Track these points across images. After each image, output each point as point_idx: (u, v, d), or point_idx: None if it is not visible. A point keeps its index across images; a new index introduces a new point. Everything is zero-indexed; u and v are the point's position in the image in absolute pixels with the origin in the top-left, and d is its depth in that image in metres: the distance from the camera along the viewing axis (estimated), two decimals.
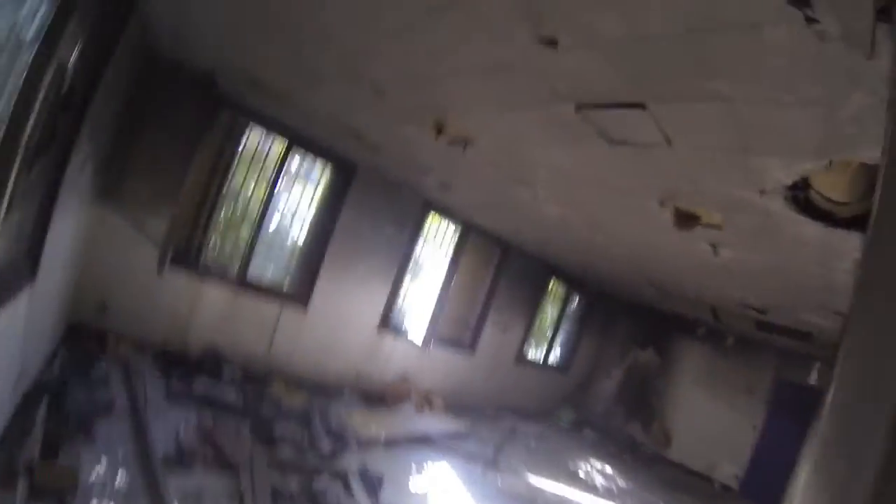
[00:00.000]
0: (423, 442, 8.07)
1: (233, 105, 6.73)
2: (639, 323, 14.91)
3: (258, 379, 7.48)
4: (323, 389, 8.27)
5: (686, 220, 5.05)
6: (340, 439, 6.71)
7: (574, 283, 13.31)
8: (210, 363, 7.10)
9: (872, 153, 2.73)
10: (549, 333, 13.46)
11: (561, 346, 14.08)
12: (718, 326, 12.25)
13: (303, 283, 8.12)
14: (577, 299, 14.04)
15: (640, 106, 3.19)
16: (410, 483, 6.69)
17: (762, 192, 3.78)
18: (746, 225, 4.68)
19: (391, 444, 7.49)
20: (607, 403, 14.70)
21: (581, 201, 5.98)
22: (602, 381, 15.02)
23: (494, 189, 6.74)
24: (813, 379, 11.86)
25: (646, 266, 8.26)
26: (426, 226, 9.35)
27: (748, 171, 3.54)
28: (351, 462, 6.31)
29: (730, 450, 12.82)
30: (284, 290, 8.08)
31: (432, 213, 9.23)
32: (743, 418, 12.85)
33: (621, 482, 10.40)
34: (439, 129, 5.05)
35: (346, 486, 5.64)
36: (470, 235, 9.40)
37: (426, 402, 9.51)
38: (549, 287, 12.70)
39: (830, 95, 2.41)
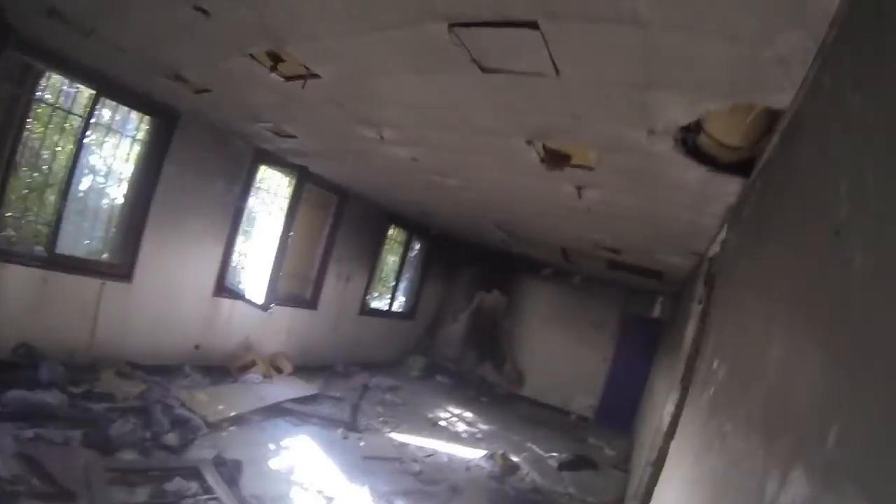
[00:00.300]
0: (278, 412, 7.60)
1: (25, 44, 5.44)
2: (483, 266, 15.18)
3: (85, 373, 6.45)
4: (161, 371, 7.43)
5: (555, 160, 4.82)
6: (188, 427, 6.04)
7: (414, 228, 13.18)
8: (22, 365, 5.90)
9: (784, 98, 2.64)
10: (391, 281, 13.31)
11: (405, 293, 14.00)
12: (566, 266, 12.61)
13: (125, 252, 7.09)
14: (419, 245, 13.95)
15: (531, 25, 2.73)
16: (271, 462, 6.22)
17: (652, 132, 3.62)
18: (622, 166, 4.54)
19: (244, 420, 6.97)
20: (457, 348, 14.89)
21: (436, 142, 5.49)
22: (449, 325, 15.21)
23: (336, 132, 6.10)
24: (656, 312, 12.64)
25: (499, 210, 8.09)
26: (259, 177, 8.61)
27: (644, 108, 3.31)
28: (203, 452, 5.74)
29: (584, 383, 13.58)
30: (103, 262, 7.01)
31: (265, 163, 8.50)
32: (594, 352, 13.59)
33: (483, 425, 10.57)
34: (275, 61, 4.35)
35: (203, 483, 5.05)
36: (305, 185, 8.60)
37: (274, 367, 8.97)
38: (389, 234, 12.47)
39: (762, 31, 2.23)
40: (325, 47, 3.79)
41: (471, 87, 3.72)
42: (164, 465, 5.13)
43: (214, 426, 6.42)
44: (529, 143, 4.53)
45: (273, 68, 4.44)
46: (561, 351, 13.99)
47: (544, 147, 4.63)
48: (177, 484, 4.83)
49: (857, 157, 1.55)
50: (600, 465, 9.73)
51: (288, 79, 4.60)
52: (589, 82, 3.18)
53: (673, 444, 4.29)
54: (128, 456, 5.15)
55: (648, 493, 5.67)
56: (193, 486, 4.92)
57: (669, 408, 5.97)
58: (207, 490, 4.95)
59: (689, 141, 3.58)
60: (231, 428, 6.64)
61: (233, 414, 6.79)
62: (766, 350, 2.08)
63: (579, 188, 5.42)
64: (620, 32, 2.55)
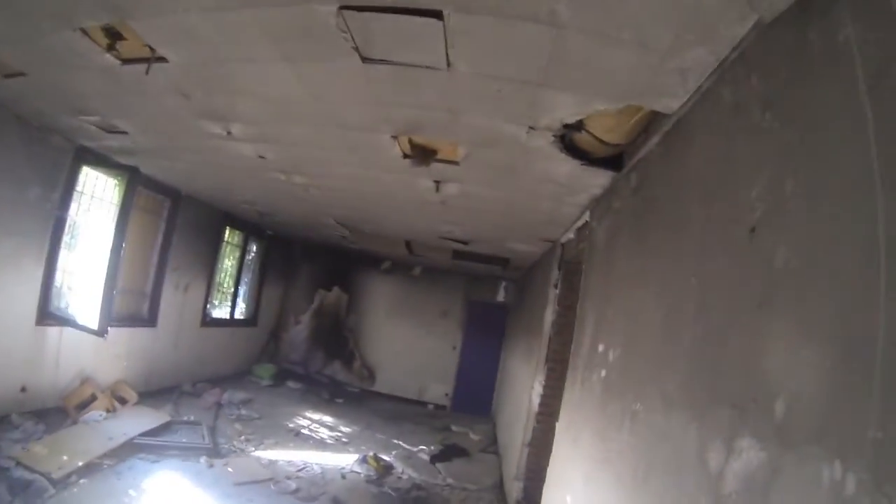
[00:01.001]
0: (131, 450, 7.00)
1: None
2: (321, 264, 15.07)
3: None
4: None
5: (421, 155, 4.84)
6: (30, 492, 5.35)
7: (251, 229, 12.74)
8: None
9: (673, 104, 2.91)
10: (231, 288, 12.74)
11: (245, 299, 13.50)
12: (408, 259, 12.84)
13: None
14: (255, 247, 13.52)
15: (436, 15, 2.66)
16: None
17: (532, 128, 3.80)
18: (490, 161, 4.69)
19: (94, 469, 6.25)
20: (303, 350, 14.69)
21: (290, 139, 5.22)
22: (293, 328, 14.87)
23: (176, 128, 5.51)
24: (500, 296, 13.22)
25: (345, 206, 7.99)
26: (81, 181, 7.42)
27: (532, 105, 3.45)
28: None
29: (436, 372, 14.01)
30: None
31: (88, 164, 7.38)
32: (442, 341, 14.07)
33: (344, 427, 10.58)
34: (113, 40, 3.66)
35: None
36: (136, 187, 7.70)
37: (117, 399, 8.28)
38: (225, 237, 11.94)
39: (674, 45, 2.44)
40: (181, 25, 3.24)
41: (344, 78, 3.55)
42: None
43: (61, 483, 5.72)
44: (395, 137, 4.50)
45: (110, 48, 3.75)
46: (409, 343, 14.31)
47: (410, 141, 4.65)
48: None
49: (768, 165, 1.81)
50: (470, 451, 10.09)
51: (126, 62, 3.92)
52: (480, 77, 3.21)
53: (559, 424, 4.56)
54: None
55: (534, 472, 6.00)
56: None
57: (538, 388, 6.35)
58: None
59: (567, 137, 3.83)
60: (81, 481, 5.93)
61: (80, 464, 6.07)
62: (676, 336, 2.34)
63: (438, 182, 5.52)
64: (532, 31, 2.62)
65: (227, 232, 11.92)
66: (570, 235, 5.95)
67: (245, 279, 13.29)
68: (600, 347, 3.53)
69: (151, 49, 3.63)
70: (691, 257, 2.35)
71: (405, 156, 4.85)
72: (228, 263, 12.51)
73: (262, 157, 5.94)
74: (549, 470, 4.71)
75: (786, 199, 1.68)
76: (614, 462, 2.88)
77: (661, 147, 3.09)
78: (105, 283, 7.13)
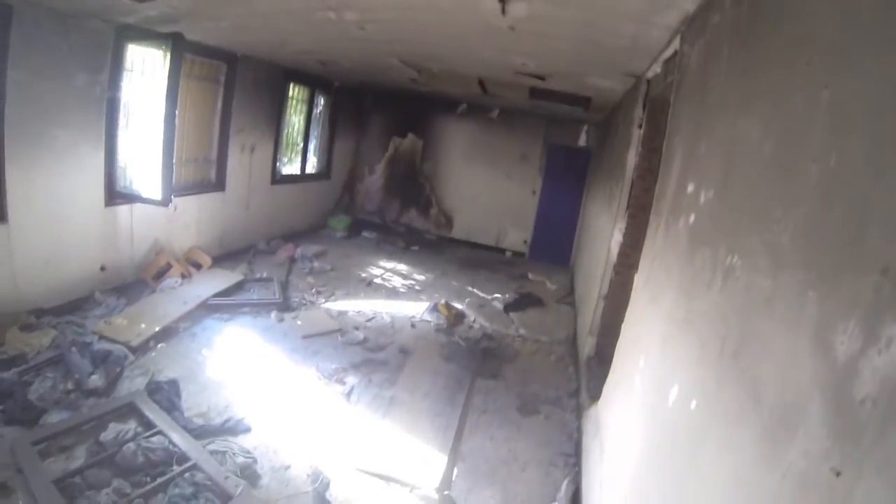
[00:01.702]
0: (205, 311, 7.12)
1: None
2: (393, 111, 14.41)
3: None
4: (70, 308, 6.62)
5: None
6: (110, 361, 5.41)
7: (316, 83, 12.10)
8: None
9: None
10: (300, 143, 12.38)
11: (316, 153, 13.18)
12: (483, 100, 11.93)
13: None
14: (323, 100, 12.91)
15: None
16: (209, 370, 5.78)
17: None
18: None
19: (171, 332, 6.42)
20: (379, 199, 14.60)
21: None
22: (367, 178, 14.69)
23: None
24: (582, 141, 12.45)
25: (407, 43, 7.08)
26: (129, 60, 7.10)
27: None
28: (135, 383, 5.24)
29: (514, 218, 13.60)
30: None
31: (132, 41, 7.00)
32: (521, 186, 13.49)
33: (419, 276, 10.48)
34: None
35: (141, 418, 4.61)
36: (184, 56, 7.37)
37: (192, 264, 8.32)
38: (290, 94, 11.39)
39: None
40: None
41: None
42: (94, 415, 4.59)
43: (140, 350, 5.87)
44: None
45: None
46: (487, 188, 13.80)
47: None
48: (112, 430, 4.33)
49: None
50: (545, 302, 9.77)
51: None
52: None
53: (638, 277, 4.03)
54: (55, 417, 4.56)
55: (609, 328, 5.57)
56: (131, 426, 4.45)
57: (617, 237, 5.80)
58: (148, 425, 4.51)
59: None
60: (160, 345, 6.08)
61: (157, 329, 6.21)
62: (794, 171, 1.71)
63: (503, 1, 4.64)
64: None
65: (292, 88, 11.35)
66: (657, 69, 5.10)
67: (315, 133, 12.86)
68: (690, 187, 2.90)
69: None
70: (821, 63, 1.66)
71: None
72: (296, 119, 12.06)
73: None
74: (623, 326, 4.24)
75: None
76: (698, 326, 2.35)
77: None
78: (164, 155, 7.00)
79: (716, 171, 2.53)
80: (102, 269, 7.19)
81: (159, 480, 3.96)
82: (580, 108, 9.48)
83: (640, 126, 5.64)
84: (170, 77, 6.86)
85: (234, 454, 4.36)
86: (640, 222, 5.24)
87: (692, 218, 2.76)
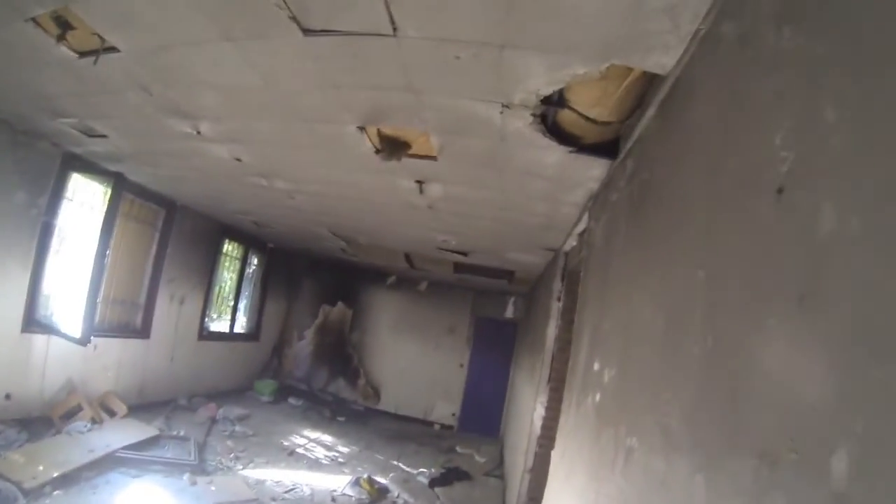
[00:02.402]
0: (112, 463, 6.54)
1: None
2: (324, 278, 14.56)
3: None
4: None
5: (392, 148, 4.27)
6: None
7: (251, 242, 12.26)
8: None
9: (667, 61, 2.34)
10: (231, 301, 12.25)
11: (246, 312, 13.01)
12: (411, 273, 12.19)
13: None
14: (256, 260, 13.01)
15: None
16: None
17: (507, 105, 3.20)
18: (471, 153, 4.09)
19: (71, 480, 5.83)
20: (306, 366, 14.26)
21: (258, 136, 4.83)
22: (296, 343, 14.44)
23: (148, 128, 5.20)
24: (509, 313, 12.65)
25: (333, 214, 7.46)
26: (70, 188, 7.23)
27: (500, 75, 2.88)
28: None
29: (443, 390, 13.43)
30: None
31: (76, 171, 7.19)
32: (449, 358, 13.49)
33: (343, 447, 9.97)
34: (63, 29, 3.46)
35: None
36: (123, 195, 7.57)
37: (105, 410, 7.84)
38: (224, 249, 11.46)
39: None
40: (121, 7, 3.03)
41: (291, 57, 3.14)
42: None
43: (33, 494, 5.30)
44: (362, 129, 4.02)
45: (61, 38, 3.54)
46: (415, 360, 13.71)
47: (379, 133, 4.13)
48: None
49: (795, 96, 1.23)
50: (473, 475, 9.44)
51: (82, 55, 3.72)
52: (433, 43, 2.69)
53: (554, 453, 3.96)
54: None
55: (535, 501, 5.39)
56: None
57: (540, 411, 5.75)
58: None
59: (550, 117, 3.25)
60: (55, 493, 5.49)
61: (56, 475, 5.65)
62: (679, 350, 1.75)
63: (420, 182, 4.96)
64: None
65: (227, 244, 11.45)
66: (573, 243, 5.35)
67: (246, 292, 12.78)
68: (595, 365, 2.93)
69: (100, 37, 3.43)
70: (696, 244, 1.75)
71: (377, 150, 4.29)
72: (228, 276, 12.04)
73: (238, 159, 5.53)
74: None
75: (826, 134, 1.09)
76: None
77: (658, 120, 2.50)
78: (89, 292, 6.84)
79: (617, 348, 2.58)
80: (7, 397, 6.73)
81: None
82: (505, 282, 9.75)
83: (559, 298, 5.78)
84: (106, 215, 6.90)
85: None
86: (559, 395, 5.28)
87: (598, 396, 2.76)
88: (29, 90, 4.91)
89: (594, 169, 3.68)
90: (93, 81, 4.20)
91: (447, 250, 7.88)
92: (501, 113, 3.24)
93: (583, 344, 3.49)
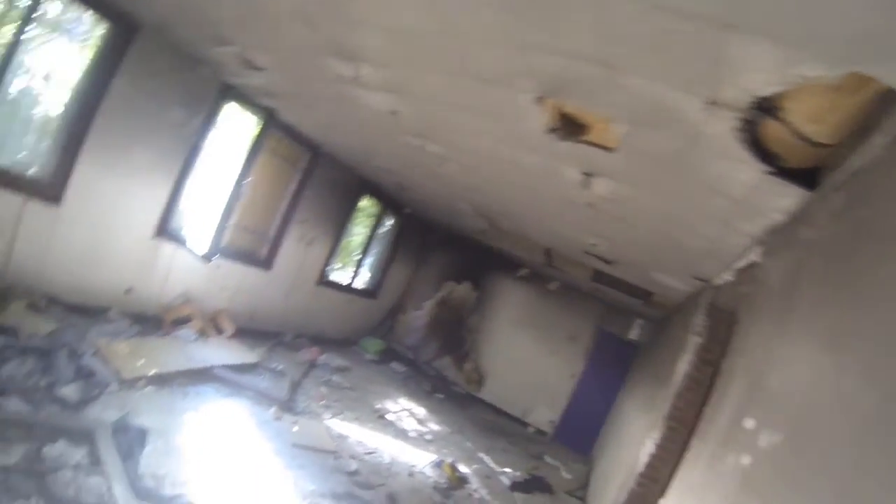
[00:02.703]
0: (207, 377, 6.74)
1: None
2: (457, 254, 14.42)
3: None
4: (83, 311, 6.52)
5: (568, 129, 3.77)
6: (93, 381, 5.15)
7: (389, 202, 12.27)
8: None
9: None
10: (357, 255, 12.43)
11: (370, 269, 13.15)
12: (546, 270, 11.78)
13: (56, 171, 6.05)
14: (392, 221, 13.06)
15: None
16: (184, 436, 5.32)
17: (713, 102, 2.68)
18: (654, 151, 3.58)
19: (165, 381, 6.07)
20: (418, 336, 14.16)
21: (421, 90, 4.53)
22: (413, 311, 14.39)
23: (307, 66, 5.12)
24: (633, 334, 12.05)
25: (483, 191, 7.16)
26: (222, 115, 7.54)
27: (715, 61, 2.38)
28: (106, 413, 4.85)
29: (547, 395, 13.02)
30: (29, 177, 5.95)
31: (231, 100, 7.46)
32: (563, 366, 13.03)
33: (434, 425, 9.86)
34: None
35: (93, 451, 4.19)
36: (274, 132, 8.00)
37: (213, 326, 8.11)
38: (361, 204, 11.57)
39: None
40: None
41: (476, 3, 2.78)
42: (51, 423, 4.24)
43: (128, 384, 5.54)
44: (540, 100, 3.56)
45: None
46: (527, 358, 13.33)
47: (557, 109, 3.63)
48: (59, 448, 3.96)
49: None
50: (556, 491, 9.05)
51: None
52: (646, 7, 2.23)
53: (664, 500, 3.55)
54: (12, 405, 4.27)
55: None
56: (79, 453, 4.05)
57: (649, 447, 5.28)
58: (95, 461, 4.11)
59: (755, 125, 2.76)
60: (147, 388, 5.73)
61: (152, 372, 5.90)
62: None
63: (587, 175, 4.48)
64: None
65: (364, 199, 11.54)
66: (728, 277, 4.82)
67: (374, 250, 12.90)
68: (748, 423, 2.50)
69: None
70: None
71: (550, 129, 3.86)
72: (360, 231, 12.21)
73: (394, 112, 5.32)
74: None
75: None
76: None
77: (892, 150, 2.03)
78: (221, 214, 7.27)
79: (788, 413, 2.15)
80: (128, 291, 7.18)
81: None
82: (639, 301, 9.19)
83: (700, 334, 5.28)
84: (253, 145, 7.26)
85: None
86: (678, 437, 4.83)
87: (747, 460, 2.35)
88: (198, 14, 5.04)
89: (785, 198, 3.13)
90: (260, 8, 4.17)
91: (593, 255, 7.41)
92: (704, 109, 2.74)
93: (730, 393, 3.05)
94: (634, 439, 6.37)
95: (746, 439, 2.45)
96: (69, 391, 4.78)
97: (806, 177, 2.87)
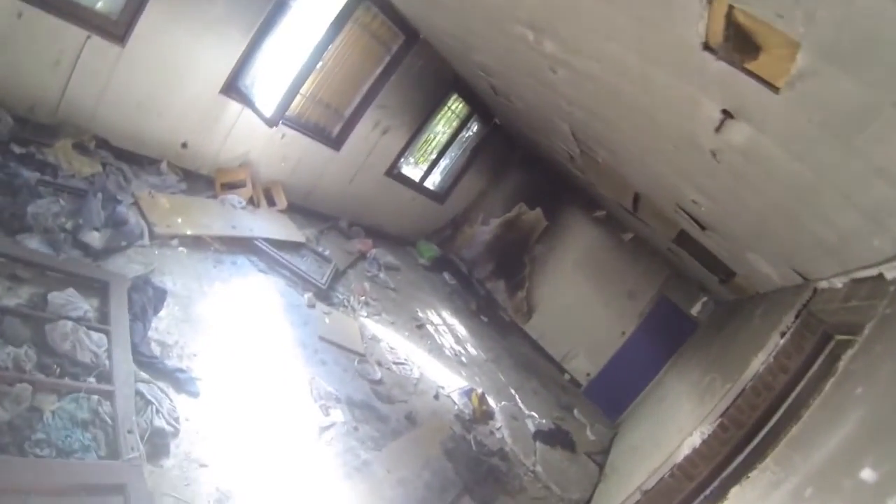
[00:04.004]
0: (246, 248, 6.48)
1: None
2: (537, 177, 13.70)
3: (39, 134, 5.32)
4: (133, 159, 6.27)
5: (737, 45, 2.73)
6: (123, 230, 4.88)
7: (478, 107, 11.51)
8: None
9: None
10: (433, 154, 11.89)
11: (443, 172, 12.62)
12: (625, 216, 10.98)
13: (124, 8, 5.59)
14: (476, 127, 12.35)
15: None
16: (205, 305, 5.05)
17: None
18: (833, 104, 2.54)
19: (200, 245, 5.82)
20: (477, 252, 13.77)
21: None
22: (477, 226, 13.90)
23: None
24: (696, 310, 11.32)
25: (589, 110, 6.14)
26: None
27: None
28: (130, 267, 4.61)
29: (592, 346, 12.52)
30: (95, 11, 5.51)
31: None
32: (615, 321, 12.44)
33: (472, 348, 9.57)
34: None
35: (103, 306, 3.91)
36: (370, 7, 7.42)
37: (265, 196, 7.78)
38: (448, 103, 10.88)
39: None
40: None
41: None
42: (66, 268, 4.01)
43: (159, 240, 5.29)
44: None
45: None
46: (581, 303, 12.81)
47: (730, 17, 2.62)
48: (65, 297, 3.71)
49: None
50: (577, 449, 8.70)
51: None
52: None
53: None
54: (33, 243, 4.07)
55: None
56: (86, 306, 3.79)
57: (695, 440, 4.83)
58: (103, 317, 3.85)
59: None
60: (180, 248, 5.48)
61: (189, 232, 5.62)
62: None
63: (728, 116, 3.46)
64: None
65: (453, 99, 10.83)
66: (838, 284, 4.13)
67: (452, 153, 12.31)
68: (867, 475, 1.99)
69: None
70: None
71: (707, 46, 2.90)
72: (441, 130, 11.61)
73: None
74: None
75: None
76: None
77: None
78: (293, 80, 6.85)
79: None
80: (184, 146, 6.87)
81: (66, 381, 3.29)
82: (716, 278, 8.46)
83: (783, 335, 4.70)
84: (340, 14, 6.74)
85: (159, 411, 3.60)
86: (729, 438, 4.49)
87: None
88: None
89: None
90: None
91: (687, 213, 6.60)
92: None
93: (841, 427, 2.48)
94: (679, 426, 5.92)
95: (862, 491, 1.94)
96: (94, 237, 4.54)
97: None
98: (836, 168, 2.99)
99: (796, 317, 4.68)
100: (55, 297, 3.65)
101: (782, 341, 4.63)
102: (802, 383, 4.03)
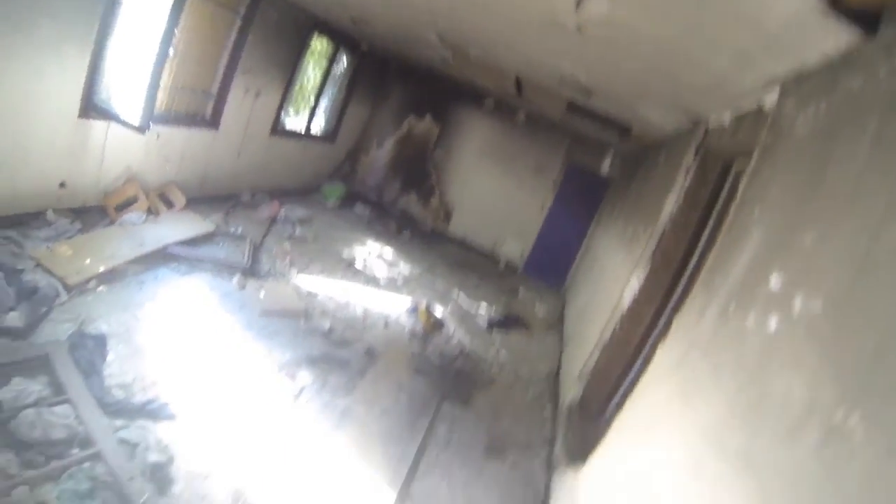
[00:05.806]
0: (161, 259, 6.33)
1: None
2: (415, 89, 13.66)
3: None
4: (16, 222, 5.83)
5: None
6: (37, 298, 4.67)
7: (343, 40, 11.25)
8: None
9: None
10: (311, 99, 11.59)
11: (326, 113, 12.40)
12: (513, 101, 11.16)
13: None
14: (346, 60, 12.11)
15: None
16: (146, 331, 4.99)
17: None
18: None
19: (117, 276, 5.62)
20: (380, 176, 13.87)
21: None
22: (374, 151, 13.97)
23: None
24: (604, 168, 11.79)
25: (450, 17, 6.13)
26: None
27: None
28: (60, 328, 4.48)
29: (516, 228, 13.01)
30: None
31: None
32: (531, 198, 12.93)
33: (403, 267, 9.70)
34: None
35: (53, 379, 3.87)
36: None
37: (162, 202, 7.55)
38: (312, 45, 10.56)
39: None
40: None
41: None
42: (1, 360, 3.82)
43: (77, 289, 5.10)
44: None
45: None
46: (495, 191, 13.18)
47: None
48: (14, 388, 3.60)
49: None
50: (531, 327, 9.12)
51: None
52: None
53: (664, 354, 3.39)
54: None
55: (600, 380, 4.96)
56: (37, 387, 3.70)
57: (633, 285, 5.18)
58: (58, 389, 3.80)
59: None
60: (100, 288, 5.30)
61: (102, 269, 5.42)
62: None
63: None
64: None
65: (315, 40, 10.51)
66: (724, 120, 4.43)
67: (329, 92, 12.06)
68: (774, 282, 2.24)
69: None
70: None
71: None
72: (312, 73, 11.28)
73: None
74: (630, 402, 3.63)
75: None
76: (764, 475, 1.72)
77: None
78: (150, 77, 6.32)
79: (831, 277, 1.87)
80: (62, 185, 6.39)
81: (53, 465, 3.26)
82: (615, 135, 8.78)
83: (687, 175, 5.02)
84: None
85: (147, 448, 3.68)
86: (661, 278, 4.85)
87: (773, 324, 2.11)
88: None
89: (830, 38, 2.53)
90: None
91: (569, 85, 6.74)
92: None
93: (745, 245, 2.75)
94: (616, 277, 6.31)
95: (772, 300, 2.19)
96: (14, 318, 4.32)
97: (863, 19, 2.35)
98: (695, 22, 3.18)
99: (695, 154, 4.99)
100: (4, 394, 3.55)
101: (688, 179, 4.95)
102: (714, 215, 4.34)
